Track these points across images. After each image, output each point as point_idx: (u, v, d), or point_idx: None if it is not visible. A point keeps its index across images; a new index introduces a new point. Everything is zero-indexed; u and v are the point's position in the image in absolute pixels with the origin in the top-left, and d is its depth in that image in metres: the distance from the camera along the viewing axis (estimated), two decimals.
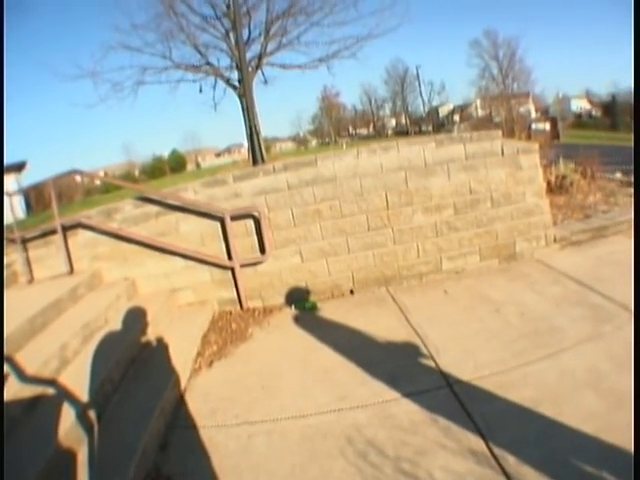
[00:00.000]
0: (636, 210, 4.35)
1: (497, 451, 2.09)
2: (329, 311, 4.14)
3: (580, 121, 39.11)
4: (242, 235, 4.39)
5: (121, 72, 19.51)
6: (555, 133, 18.95)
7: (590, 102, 44.52)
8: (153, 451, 2.50)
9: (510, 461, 2.02)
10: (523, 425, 2.23)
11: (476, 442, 2.18)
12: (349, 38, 20.29)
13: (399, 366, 3.01)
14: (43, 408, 2.62)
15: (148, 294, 4.38)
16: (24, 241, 4.60)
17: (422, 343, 3.24)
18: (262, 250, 4.38)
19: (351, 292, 4.50)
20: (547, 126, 20.18)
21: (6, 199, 5.27)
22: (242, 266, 4.38)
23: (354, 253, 4.45)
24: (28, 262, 4.62)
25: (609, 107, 36.93)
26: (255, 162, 7.41)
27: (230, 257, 4.37)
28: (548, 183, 5.92)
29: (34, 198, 18.07)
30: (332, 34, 20.04)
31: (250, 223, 4.38)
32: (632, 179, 6.32)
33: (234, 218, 4.31)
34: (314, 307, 4.29)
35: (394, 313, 3.87)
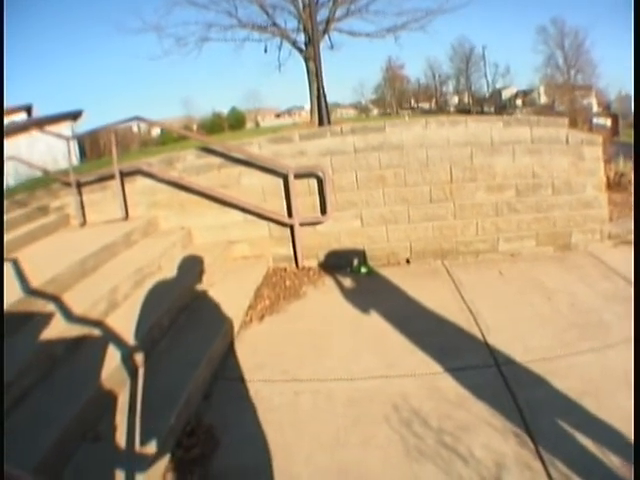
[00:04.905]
0: (636, 215, 4.16)
1: (537, 436, 2.09)
2: (384, 278, 4.16)
3: None
4: (304, 194, 4.43)
5: (185, 27, 19.58)
6: (615, 130, 18.16)
7: None
8: (197, 400, 2.48)
9: (548, 448, 2.01)
10: (564, 415, 2.21)
11: (518, 424, 2.18)
12: (418, 11, 19.76)
13: (449, 340, 3.02)
14: (87, 349, 2.60)
15: (203, 244, 4.45)
16: (79, 185, 4.68)
17: (474, 320, 3.24)
18: (323, 211, 4.41)
19: (407, 261, 4.50)
20: (608, 122, 19.30)
21: (63, 144, 5.33)
22: (301, 225, 4.42)
23: (414, 223, 4.44)
24: (82, 206, 4.70)
25: None
26: (321, 124, 7.38)
27: (290, 214, 4.42)
28: (607, 179, 5.74)
29: (88, 146, 18.35)
30: (401, 5, 19.67)
31: (313, 182, 4.41)
32: None
33: (297, 176, 4.33)
34: (370, 272, 4.32)
35: (448, 287, 3.87)
